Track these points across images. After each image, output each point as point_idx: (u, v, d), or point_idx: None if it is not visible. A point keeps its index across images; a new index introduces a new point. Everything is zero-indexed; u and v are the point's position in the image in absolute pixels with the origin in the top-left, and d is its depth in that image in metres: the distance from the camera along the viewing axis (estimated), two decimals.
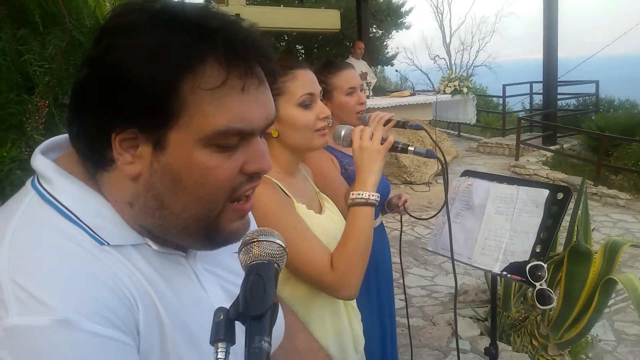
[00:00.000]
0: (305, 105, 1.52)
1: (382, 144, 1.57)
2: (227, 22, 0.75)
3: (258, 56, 0.77)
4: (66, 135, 0.84)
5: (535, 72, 12.33)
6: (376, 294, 2.18)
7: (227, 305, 0.68)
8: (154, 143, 0.73)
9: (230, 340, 0.64)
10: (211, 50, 0.72)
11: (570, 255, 3.47)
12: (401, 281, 5.37)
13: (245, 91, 0.75)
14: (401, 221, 2.42)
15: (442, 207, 1.88)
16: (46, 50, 1.75)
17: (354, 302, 1.67)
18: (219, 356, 0.62)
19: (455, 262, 1.97)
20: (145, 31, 0.71)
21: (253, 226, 1.11)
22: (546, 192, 1.96)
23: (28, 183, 0.79)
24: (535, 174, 9.20)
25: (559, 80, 11.56)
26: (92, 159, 0.77)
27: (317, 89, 1.57)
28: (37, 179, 0.78)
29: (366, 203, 1.51)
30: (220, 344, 0.63)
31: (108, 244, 0.75)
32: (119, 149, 0.74)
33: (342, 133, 1.66)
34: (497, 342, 3.74)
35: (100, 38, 0.75)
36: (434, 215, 2.15)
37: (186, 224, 0.78)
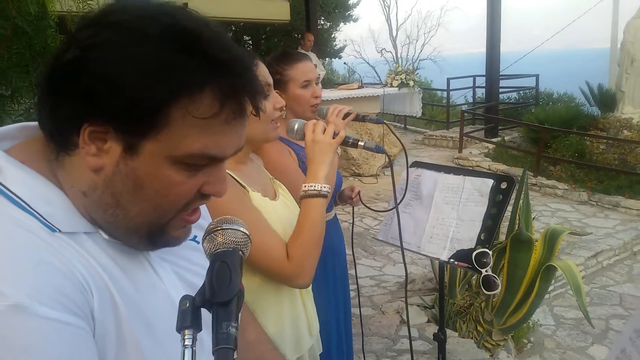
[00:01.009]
0: (265, 96, 1.53)
1: (334, 138, 1.61)
2: (234, 57, 0.74)
3: (252, 95, 0.77)
4: (17, 125, 0.82)
5: (478, 66, 12.63)
6: (332, 284, 2.21)
7: (183, 292, 0.69)
8: (126, 146, 0.72)
9: (196, 327, 0.64)
10: (212, 81, 0.72)
11: (512, 243, 3.61)
12: (351, 272, 5.46)
13: (229, 124, 0.75)
14: (353, 213, 2.46)
15: (399, 202, 1.93)
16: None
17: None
18: (185, 343, 0.62)
19: (405, 252, 2.03)
20: (155, 43, 0.70)
21: (208, 219, 1.13)
22: (491, 181, 2.04)
23: None
24: (478, 166, 9.46)
25: (500, 74, 11.90)
26: (57, 140, 0.76)
27: (270, 80, 1.58)
28: None
29: (318, 194, 1.54)
30: (187, 331, 0.63)
31: (59, 230, 0.74)
32: (86, 139, 0.72)
33: (296, 127, 1.68)
34: (445, 328, 3.88)
35: (98, 22, 0.73)
36: (390, 210, 2.19)
37: (136, 227, 0.79)
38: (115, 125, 0.71)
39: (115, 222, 0.78)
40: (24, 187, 0.74)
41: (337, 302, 2.24)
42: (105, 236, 0.80)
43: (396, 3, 36.92)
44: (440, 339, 2.26)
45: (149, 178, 0.74)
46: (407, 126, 14.53)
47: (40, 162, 0.78)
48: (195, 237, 0.98)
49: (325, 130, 1.62)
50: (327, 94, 8.97)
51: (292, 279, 1.51)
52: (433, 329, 3.92)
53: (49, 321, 0.65)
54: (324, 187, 1.55)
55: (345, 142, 1.66)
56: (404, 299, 4.50)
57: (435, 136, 12.25)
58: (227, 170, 1.49)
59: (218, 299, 0.65)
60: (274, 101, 1.57)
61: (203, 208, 1.08)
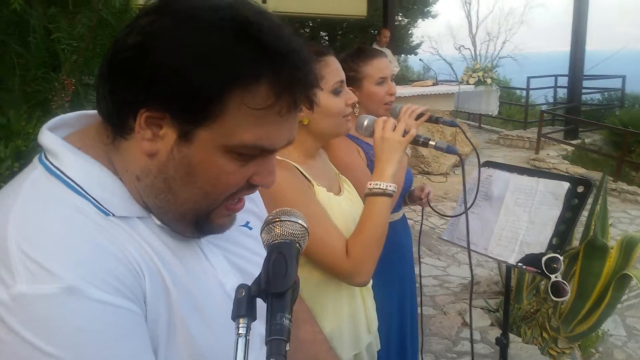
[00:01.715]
0: (337, 92, 1.53)
1: (403, 136, 1.58)
2: (291, 50, 0.75)
3: (307, 89, 0.78)
4: (76, 113, 0.85)
5: (561, 65, 12.17)
6: (399, 282, 2.19)
7: (234, 278, 0.73)
8: (180, 133, 0.74)
9: (251, 316, 0.65)
10: (269, 73, 0.72)
11: (585, 250, 3.47)
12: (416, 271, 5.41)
13: (282, 116, 0.76)
14: (422, 213, 2.42)
15: (470, 206, 1.87)
16: (75, 29, 1.78)
17: (369, 284, 1.69)
18: (240, 331, 0.63)
19: (474, 255, 1.99)
20: (214, 31, 0.71)
21: (260, 205, 1.15)
22: (567, 184, 1.96)
23: (35, 159, 0.80)
24: (555, 168, 9.13)
25: (585, 74, 11.40)
26: (114, 123, 0.78)
27: (343, 76, 1.57)
28: (45, 154, 0.79)
29: (383, 193, 1.51)
30: (241, 320, 0.64)
31: (113, 215, 0.76)
32: (143, 124, 0.74)
33: (365, 123, 1.66)
34: (509, 333, 3.78)
35: (160, 10, 0.75)
36: (459, 215, 2.14)
37: (185, 213, 0.81)
38: (172, 112, 0.72)
39: (166, 207, 0.80)
40: (80, 172, 0.77)
41: (403, 301, 2.22)
42: (157, 221, 0.82)
43: None
44: (502, 343, 2.22)
45: (201, 166, 0.76)
46: (482, 125, 14.18)
47: (96, 148, 0.80)
48: (248, 222, 1.00)
49: (395, 127, 1.59)
50: (400, 90, 8.89)
51: (349, 277, 1.50)
52: (496, 332, 3.83)
53: (102, 304, 0.67)
54: (390, 186, 1.52)
55: (415, 141, 1.63)
56: (466, 301, 4.45)
57: (511, 136, 11.89)
58: (295, 164, 1.52)
59: (273, 289, 0.66)
60: (346, 97, 1.56)
61: (255, 193, 1.09)
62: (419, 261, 2.37)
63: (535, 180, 2.05)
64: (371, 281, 1.68)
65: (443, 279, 5.20)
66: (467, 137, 2.18)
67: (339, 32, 16.97)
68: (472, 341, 2.09)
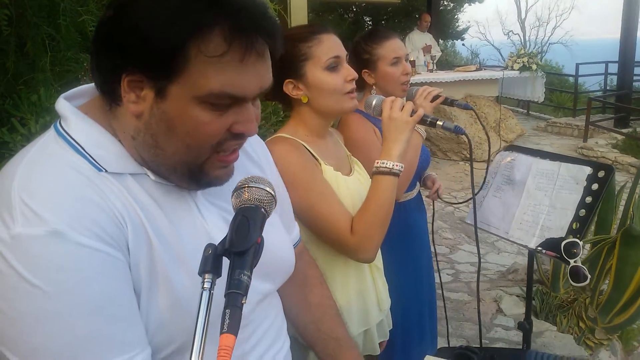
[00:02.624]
0: (332, 67, 1.55)
1: (411, 116, 1.59)
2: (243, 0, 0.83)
3: (261, 33, 0.84)
4: (89, 86, 0.95)
5: (613, 51, 11.73)
6: (413, 261, 2.21)
7: (224, 231, 0.76)
8: (156, 90, 0.83)
9: (216, 272, 0.71)
10: (221, 22, 0.80)
11: (622, 238, 3.37)
12: (451, 256, 5.37)
13: (244, 63, 0.83)
14: (433, 206, 2.43)
15: (481, 187, 1.87)
16: (103, 11, 1.85)
17: (378, 263, 1.71)
18: (205, 285, 0.69)
19: (509, 242, 1.99)
20: None
21: (275, 177, 1.23)
22: (588, 169, 1.93)
23: (52, 125, 0.91)
24: (603, 157, 8.85)
25: (636, 60, 10.99)
26: (106, 92, 0.88)
27: (342, 52, 1.58)
28: (59, 120, 0.90)
29: (389, 172, 1.52)
30: (207, 275, 0.70)
31: (106, 170, 0.86)
32: (126, 88, 0.84)
33: (374, 102, 1.68)
34: (544, 321, 3.73)
35: None
36: (469, 200, 2.14)
37: (174, 165, 0.89)
38: (146, 72, 0.82)
39: (158, 160, 0.89)
40: (82, 134, 0.87)
41: (419, 280, 2.23)
42: (152, 177, 0.91)
43: None
44: (525, 328, 2.19)
45: (179, 119, 0.84)
46: (530, 112, 13.85)
47: (100, 115, 0.91)
48: None
49: (403, 107, 1.60)
50: (442, 75, 8.81)
51: (354, 253, 1.52)
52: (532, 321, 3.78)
53: (83, 247, 0.77)
54: (396, 165, 1.53)
55: (423, 121, 1.63)
56: (503, 288, 4.40)
57: (560, 123, 11.57)
58: (303, 142, 1.56)
59: (235, 248, 0.72)
60: (345, 73, 1.57)
61: (267, 161, 1.21)
62: (434, 245, 2.37)
63: (557, 165, 2.02)
64: (381, 260, 1.70)
65: (481, 266, 5.14)
66: (480, 121, 2.16)
67: (384, 17, 16.80)
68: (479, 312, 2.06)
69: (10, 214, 0.76)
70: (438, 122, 1.63)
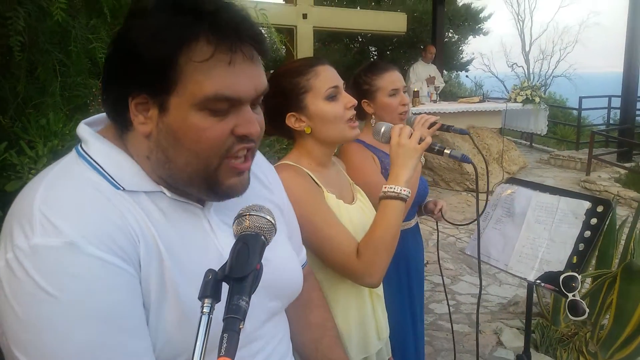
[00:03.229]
0: (332, 97, 1.59)
1: (419, 144, 1.62)
2: (219, 7, 0.90)
3: (244, 36, 0.90)
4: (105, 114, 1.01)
5: (617, 85, 11.81)
6: (407, 292, 2.23)
7: None
8: (159, 106, 0.90)
9: (215, 297, 0.74)
10: (202, 29, 0.87)
11: (623, 273, 3.37)
12: (452, 287, 5.34)
13: (232, 65, 0.89)
14: (437, 227, 2.46)
15: (481, 214, 1.90)
16: None
17: (379, 291, 1.72)
18: (204, 310, 0.72)
19: (511, 275, 2.01)
20: (153, 14, 0.89)
21: (282, 198, 1.29)
22: (587, 204, 1.95)
23: (74, 148, 0.98)
24: (606, 191, 8.84)
25: (638, 95, 11.06)
26: (118, 121, 0.95)
27: (340, 81, 1.63)
28: (80, 143, 0.97)
29: (397, 197, 1.55)
30: (206, 300, 0.73)
31: (123, 189, 0.92)
32: (135, 112, 0.91)
33: (382, 130, 1.71)
34: (544, 355, 3.70)
35: (125, 20, 0.92)
36: (470, 223, 2.17)
37: (190, 177, 0.94)
38: (147, 90, 0.89)
39: (174, 175, 0.95)
40: (101, 155, 0.94)
41: (413, 310, 2.24)
42: (169, 194, 0.96)
43: (531, 17, 35.33)
44: None
45: (182, 129, 0.90)
46: (534, 144, 13.89)
47: (116, 139, 0.98)
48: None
49: (411, 135, 1.64)
50: (446, 106, 8.87)
51: (360, 277, 1.54)
52: (531, 353, 3.75)
53: (96, 259, 0.82)
54: (404, 190, 1.56)
55: (430, 149, 1.67)
56: (504, 320, 4.38)
57: (562, 156, 11.59)
58: (307, 170, 1.59)
59: (235, 274, 0.75)
60: (345, 101, 1.62)
61: (275, 182, 1.26)
62: (441, 272, 2.38)
63: (556, 198, 2.04)
64: (382, 288, 1.72)
65: (482, 297, 5.09)
66: (476, 146, 2.21)
67: (389, 47, 17.00)
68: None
69: (31, 225, 0.81)
70: (445, 151, 1.67)
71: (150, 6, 0.89)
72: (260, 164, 1.25)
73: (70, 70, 1.88)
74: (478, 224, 1.88)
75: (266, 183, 1.24)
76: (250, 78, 0.93)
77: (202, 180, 0.95)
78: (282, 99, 1.60)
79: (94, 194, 0.89)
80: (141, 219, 0.91)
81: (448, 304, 2.74)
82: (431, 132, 2.16)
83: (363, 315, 1.65)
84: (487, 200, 2.11)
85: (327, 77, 1.60)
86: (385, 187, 1.58)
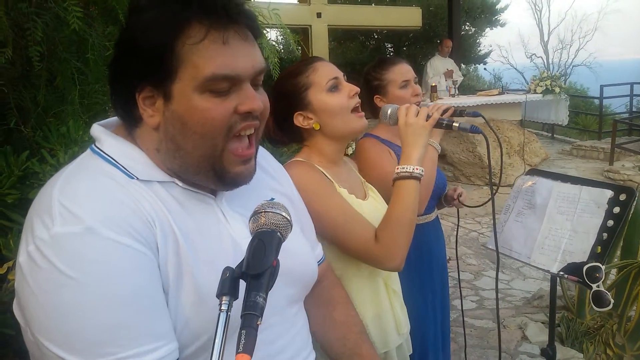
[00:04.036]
0: (334, 88, 1.60)
1: (427, 120, 1.62)
2: None
3: (233, 15, 0.94)
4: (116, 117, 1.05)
5: (639, 72, 11.60)
6: (430, 286, 2.21)
7: (249, 238, 0.83)
8: (164, 95, 0.93)
9: (233, 295, 0.75)
10: (193, 14, 0.91)
11: None
12: (475, 283, 5.30)
13: (227, 44, 0.92)
14: (458, 215, 2.44)
15: (494, 194, 1.88)
16: None
17: (395, 286, 1.72)
18: (222, 307, 0.73)
19: (534, 268, 1.99)
20: (146, 8, 0.93)
21: (291, 189, 1.31)
22: (609, 192, 1.92)
23: (89, 148, 1.03)
24: (630, 180, 8.69)
25: None
26: (127, 119, 1.00)
27: (339, 73, 1.64)
28: (94, 142, 1.02)
29: (410, 176, 1.55)
30: (224, 297, 0.74)
31: (137, 178, 0.96)
32: (143, 106, 0.95)
33: (389, 111, 1.71)
34: (570, 348, 3.66)
35: (124, 22, 0.98)
36: (485, 203, 2.16)
37: (198, 163, 0.97)
38: (151, 82, 0.92)
39: (184, 163, 0.98)
40: (114, 149, 0.99)
41: (435, 305, 2.23)
42: (181, 184, 1.00)
43: (548, 6, 34.97)
44: (548, 354, 2.17)
45: (188, 113, 0.93)
46: (555, 135, 13.72)
47: (127, 135, 1.02)
48: (273, 199, 1.12)
49: (418, 113, 1.63)
50: (465, 100, 8.79)
51: (381, 261, 1.53)
52: (557, 347, 3.70)
53: (115, 242, 0.85)
54: (417, 169, 1.55)
55: (439, 124, 1.66)
56: (528, 315, 4.33)
57: (585, 147, 11.42)
58: (318, 166, 1.60)
59: (251, 271, 0.76)
60: (347, 90, 1.62)
61: (282, 173, 1.29)
62: (457, 265, 2.37)
63: (578, 188, 2.01)
64: (399, 284, 1.71)
65: (506, 292, 5.08)
66: (491, 128, 2.15)
67: (405, 43, 16.91)
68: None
69: (50, 216, 0.85)
70: (454, 124, 1.66)
71: (144, 3, 0.94)
72: (264, 155, 1.29)
73: (88, 78, 1.91)
74: (492, 200, 1.85)
75: (272, 173, 1.27)
76: (246, 56, 0.96)
77: (210, 166, 0.98)
78: (286, 101, 1.61)
79: (109, 182, 0.93)
80: (156, 205, 0.94)
81: (461, 299, 2.73)
82: (439, 113, 2.14)
83: (379, 310, 1.64)
84: (500, 175, 2.07)
85: (325, 70, 1.61)
86: (397, 169, 1.58)
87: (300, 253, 1.19)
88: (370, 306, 1.62)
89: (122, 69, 0.96)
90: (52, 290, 0.82)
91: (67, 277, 0.81)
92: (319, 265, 1.33)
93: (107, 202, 0.89)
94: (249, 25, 0.97)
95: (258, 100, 0.98)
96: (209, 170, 0.98)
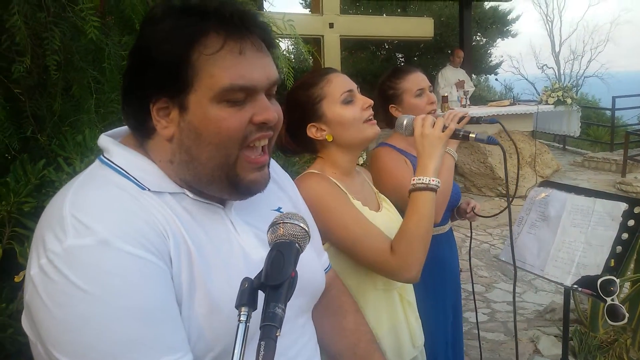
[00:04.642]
0: (348, 101, 1.60)
1: (443, 131, 1.61)
2: (221, 3, 0.95)
3: (250, 26, 0.94)
4: (125, 127, 1.06)
5: None
6: (442, 298, 2.20)
7: (260, 250, 0.87)
8: (179, 107, 0.94)
9: (252, 305, 0.75)
10: (209, 25, 0.92)
11: None
12: (486, 295, 5.27)
13: (244, 54, 0.93)
14: (471, 228, 2.43)
15: (509, 202, 1.88)
16: None
17: (410, 298, 1.71)
18: (241, 318, 0.73)
19: (547, 280, 1.98)
20: (162, 19, 0.93)
21: (297, 200, 1.31)
22: (624, 205, 1.91)
23: (97, 158, 1.03)
24: None
25: None
26: (140, 130, 1.00)
27: (353, 85, 1.64)
28: (103, 154, 1.02)
29: (426, 188, 1.54)
30: (243, 308, 0.74)
31: (149, 189, 0.96)
32: (157, 117, 0.95)
33: (405, 122, 1.71)
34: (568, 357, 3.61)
35: (138, 32, 0.97)
36: (497, 214, 2.15)
37: (212, 172, 0.97)
38: (166, 93, 0.92)
39: (198, 174, 0.98)
40: (124, 160, 0.98)
41: (447, 317, 2.21)
42: (191, 195, 0.99)
43: (560, 17, 34.86)
44: None
45: (203, 123, 0.93)
46: (567, 146, 13.63)
47: (137, 146, 1.02)
48: (280, 207, 1.15)
49: (434, 124, 1.62)
50: (476, 110, 8.78)
51: (397, 273, 1.52)
52: None
53: (129, 254, 0.85)
54: (433, 180, 1.54)
55: (455, 135, 1.65)
56: (540, 328, 4.30)
57: (597, 158, 11.33)
58: (332, 178, 1.60)
59: (270, 282, 0.76)
60: (361, 102, 1.62)
61: (289, 183, 1.28)
62: (471, 277, 2.35)
63: (592, 201, 2.01)
64: (413, 295, 1.71)
65: (518, 305, 5.03)
66: (508, 135, 2.16)
67: (416, 54, 16.92)
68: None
69: (63, 229, 0.84)
70: (471, 135, 1.65)
71: (159, 13, 0.94)
72: (271, 165, 1.28)
73: (104, 87, 1.92)
74: (509, 211, 1.84)
75: (280, 182, 1.28)
76: (261, 67, 0.97)
77: (224, 176, 0.98)
78: (300, 112, 1.61)
79: (120, 193, 0.92)
80: (168, 216, 0.94)
81: (476, 311, 2.71)
82: (461, 126, 2.13)
83: (395, 322, 1.64)
84: (516, 187, 2.06)
85: (340, 82, 1.61)
86: (413, 180, 1.57)
87: (307, 262, 1.17)
88: (385, 318, 1.62)
89: (136, 80, 0.96)
90: (66, 303, 0.81)
91: (82, 290, 0.81)
92: (325, 273, 1.33)
93: (120, 214, 0.88)
94: (263, 37, 0.98)
95: (273, 111, 0.98)
96: (223, 179, 0.98)
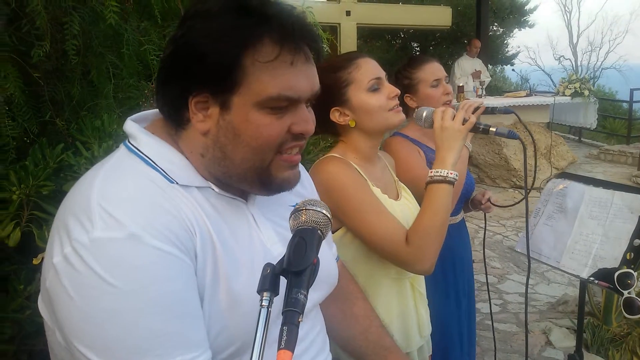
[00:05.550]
0: (375, 89, 1.59)
1: (463, 124, 1.60)
2: (281, 9, 0.93)
3: (305, 37, 0.93)
4: (153, 110, 1.05)
5: None
6: (454, 289, 2.20)
7: (279, 245, 0.86)
8: (221, 105, 0.92)
9: (274, 290, 0.75)
10: (267, 31, 0.90)
11: None
12: (498, 286, 5.25)
13: (294, 65, 0.92)
14: (485, 218, 2.42)
15: (527, 194, 1.87)
16: (164, 41, 1.94)
17: (421, 288, 1.71)
18: (263, 303, 0.73)
19: (560, 272, 1.97)
20: (218, 16, 0.91)
21: (312, 192, 1.30)
22: None
23: (122, 143, 1.01)
24: None
25: None
26: (174, 120, 0.98)
27: (382, 72, 1.62)
28: (128, 139, 1.00)
29: (444, 180, 1.53)
30: (265, 293, 0.74)
31: (177, 182, 0.95)
32: (194, 110, 0.94)
33: (424, 114, 1.69)
34: (595, 355, 3.61)
35: (183, 22, 0.95)
36: (517, 203, 2.14)
37: (244, 173, 0.97)
38: (210, 90, 0.92)
39: (229, 171, 0.97)
40: (152, 150, 0.97)
41: (460, 308, 2.21)
42: (216, 189, 0.99)
43: (578, 8, 34.39)
44: None
45: (243, 126, 0.93)
46: (583, 139, 13.51)
47: (165, 135, 1.01)
48: (297, 204, 1.11)
49: (454, 116, 1.61)
50: (492, 101, 8.70)
51: (411, 264, 1.52)
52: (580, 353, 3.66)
53: (157, 250, 0.84)
54: (451, 173, 1.53)
55: (475, 129, 1.64)
56: (552, 319, 4.28)
57: (613, 151, 11.22)
58: (353, 163, 1.59)
59: (293, 268, 0.76)
60: (388, 91, 1.60)
61: (307, 179, 1.28)
62: (485, 268, 2.35)
63: (610, 193, 1.98)
64: (424, 286, 1.71)
65: (530, 296, 5.01)
66: (526, 128, 2.13)
67: (432, 43, 16.79)
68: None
69: (90, 219, 0.83)
70: (491, 129, 1.64)
71: (215, 8, 0.92)
72: None
73: (122, 73, 1.93)
74: (527, 202, 1.83)
75: (303, 180, 1.26)
76: (308, 78, 0.96)
77: (256, 175, 0.98)
78: (325, 94, 1.59)
79: (150, 186, 0.91)
80: (196, 211, 0.93)
81: (490, 303, 2.70)
82: (475, 117, 2.12)
83: (404, 310, 1.64)
84: (534, 180, 2.05)
85: (368, 69, 1.59)
86: (431, 172, 1.56)
87: (323, 258, 1.19)
88: (395, 306, 1.62)
89: (177, 70, 0.93)
90: (91, 296, 0.81)
91: (108, 284, 0.80)
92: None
93: (150, 208, 0.88)
94: (314, 47, 0.98)
95: (311, 123, 0.99)
96: (255, 179, 0.98)
